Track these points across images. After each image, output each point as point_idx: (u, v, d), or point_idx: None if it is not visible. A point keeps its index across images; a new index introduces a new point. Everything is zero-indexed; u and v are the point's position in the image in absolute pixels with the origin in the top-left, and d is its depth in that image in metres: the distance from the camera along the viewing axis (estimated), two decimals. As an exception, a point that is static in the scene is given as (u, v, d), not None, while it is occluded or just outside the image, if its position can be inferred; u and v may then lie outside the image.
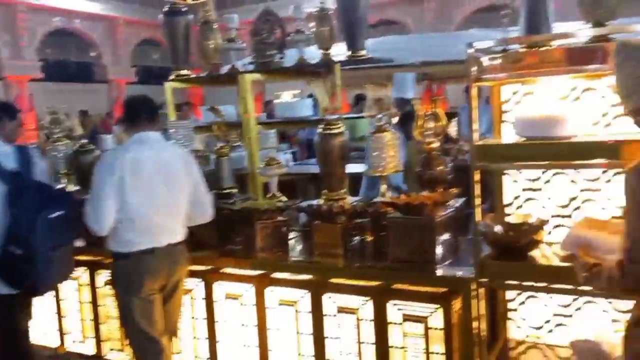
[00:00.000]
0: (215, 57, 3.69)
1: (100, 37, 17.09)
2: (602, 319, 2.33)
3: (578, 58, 1.97)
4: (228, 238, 2.91)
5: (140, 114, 2.61)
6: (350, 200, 2.88)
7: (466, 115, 2.23)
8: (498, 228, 2.20)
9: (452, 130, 5.46)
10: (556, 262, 2.11)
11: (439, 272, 2.29)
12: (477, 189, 2.12)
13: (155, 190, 2.54)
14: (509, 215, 2.38)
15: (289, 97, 4.00)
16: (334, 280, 2.51)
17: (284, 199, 3.08)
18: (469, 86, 2.10)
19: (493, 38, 2.15)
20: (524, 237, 2.14)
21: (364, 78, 4.29)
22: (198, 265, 2.84)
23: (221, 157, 3.22)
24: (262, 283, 2.67)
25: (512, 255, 2.15)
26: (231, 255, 2.81)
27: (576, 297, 2.34)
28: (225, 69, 3.67)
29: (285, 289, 2.61)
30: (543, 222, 2.20)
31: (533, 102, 2.38)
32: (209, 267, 2.83)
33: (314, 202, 2.97)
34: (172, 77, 3.80)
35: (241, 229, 2.85)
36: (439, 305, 2.24)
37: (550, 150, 2.01)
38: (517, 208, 2.47)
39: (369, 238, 2.65)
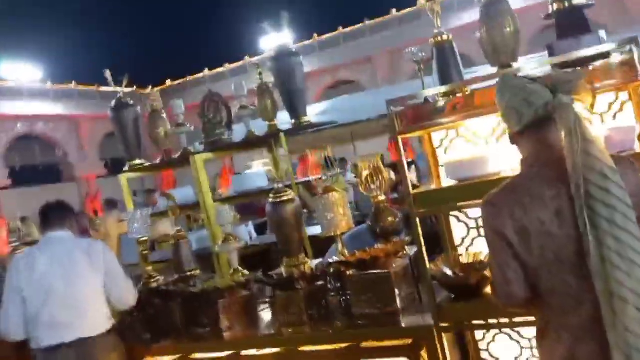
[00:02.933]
0: (166, 143, 3.78)
1: (64, 137, 17.28)
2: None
3: (489, 99, 2.09)
4: (194, 322, 2.88)
5: (49, 216, 2.88)
6: (311, 264, 2.91)
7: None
8: (447, 271, 2.24)
9: (413, 177, 5.64)
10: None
11: (403, 323, 2.30)
12: (420, 236, 2.17)
13: (52, 286, 2.64)
14: (460, 255, 2.43)
15: (260, 167, 4.09)
16: (304, 349, 2.48)
17: (246, 272, 3.08)
18: (395, 139, 2.19)
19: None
20: (474, 275, 2.17)
21: (313, 142, 4.42)
22: (166, 356, 2.79)
23: (179, 241, 3.23)
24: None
25: (468, 295, 2.18)
26: (199, 340, 2.77)
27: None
28: (177, 154, 3.76)
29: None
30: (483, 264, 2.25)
31: (461, 145, 2.49)
32: (177, 356, 2.78)
33: (276, 271, 2.98)
34: (126, 167, 3.87)
35: (206, 311, 2.83)
36: (407, 358, 2.23)
37: (480, 188, 2.07)
38: (468, 248, 2.52)
39: (333, 300, 2.66)
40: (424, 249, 2.16)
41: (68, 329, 2.63)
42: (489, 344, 2.52)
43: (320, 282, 2.66)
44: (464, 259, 2.37)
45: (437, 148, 2.56)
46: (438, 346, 2.14)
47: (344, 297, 2.61)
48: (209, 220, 3.57)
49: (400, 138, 2.19)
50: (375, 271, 2.39)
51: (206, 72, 18.65)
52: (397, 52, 14.47)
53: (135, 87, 14.56)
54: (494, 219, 1.54)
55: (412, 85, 8.63)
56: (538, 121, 1.51)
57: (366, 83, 15.07)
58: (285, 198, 2.92)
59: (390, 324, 2.31)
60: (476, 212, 2.49)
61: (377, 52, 14.58)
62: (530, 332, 2.44)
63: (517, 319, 2.08)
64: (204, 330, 2.80)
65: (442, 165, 2.60)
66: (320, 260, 3.11)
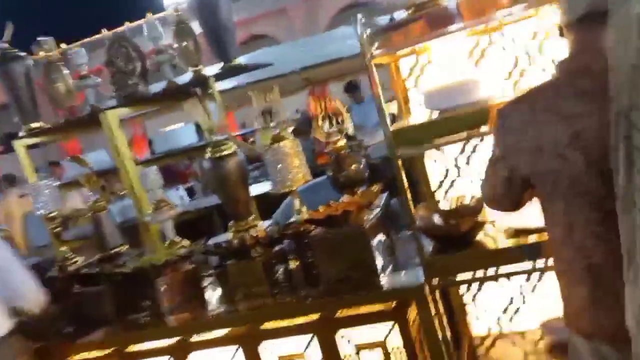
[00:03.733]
0: (68, 100, 3.14)
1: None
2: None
3: (472, 10, 1.75)
4: (128, 307, 2.39)
5: None
6: (262, 226, 2.50)
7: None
8: (437, 219, 1.91)
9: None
10: (504, 242, 1.85)
11: (384, 283, 1.96)
12: (404, 179, 1.82)
13: None
14: (439, 202, 2.11)
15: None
16: (267, 326, 2.10)
17: (186, 243, 2.62)
18: (369, 68, 1.80)
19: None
20: (465, 222, 1.87)
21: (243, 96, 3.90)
22: (96, 351, 2.30)
23: (98, 213, 2.69)
24: (181, 351, 2.19)
25: (456, 245, 1.87)
26: (136, 328, 2.30)
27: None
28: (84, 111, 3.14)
29: (212, 351, 2.16)
30: (480, 201, 1.95)
31: (436, 71, 2.14)
32: (111, 350, 2.30)
33: (223, 238, 2.55)
34: (22, 133, 3.21)
35: (142, 293, 2.36)
36: (393, 322, 1.91)
37: (470, 119, 1.75)
38: (446, 192, 2.21)
39: (295, 265, 2.27)
40: (409, 194, 1.81)
41: None
42: (475, 295, 2.26)
43: (278, 247, 2.26)
44: (444, 205, 2.06)
45: (405, 80, 2.20)
46: (432, 305, 1.83)
47: (309, 261, 2.24)
48: (133, 186, 3.03)
49: (372, 65, 1.80)
50: (346, 228, 2.03)
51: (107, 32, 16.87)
52: (314, 1, 13.91)
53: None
54: (504, 134, 1.33)
55: (333, 35, 8.21)
56: (592, 15, 1.17)
57: (282, 36, 14.41)
58: (226, 152, 2.46)
59: (369, 287, 1.97)
60: (454, 150, 2.17)
61: (292, 2, 13.88)
62: (517, 281, 2.21)
63: (514, 268, 1.81)
64: (141, 316, 2.33)
65: (409, 101, 2.25)
66: (268, 222, 2.70)
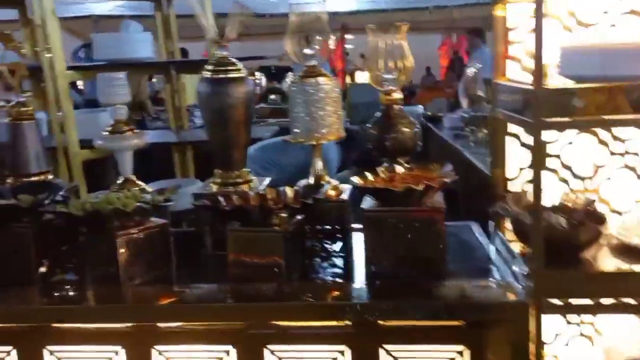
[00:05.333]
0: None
1: None
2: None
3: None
4: (62, 267, 1.64)
5: None
6: (258, 186, 1.87)
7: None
8: (557, 219, 1.46)
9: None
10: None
11: (453, 290, 1.47)
12: (542, 159, 1.33)
13: None
14: (523, 194, 1.66)
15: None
16: (282, 323, 1.49)
17: (145, 186, 1.89)
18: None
19: None
20: (588, 230, 1.43)
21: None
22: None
23: (21, 123, 1.84)
24: (141, 342, 1.50)
25: (564, 257, 1.44)
26: (72, 299, 1.55)
27: None
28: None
29: (191, 349, 1.50)
30: (591, 203, 1.53)
31: (554, 31, 1.66)
32: (27, 325, 1.52)
33: (202, 188, 1.88)
34: None
35: (93, 249, 1.60)
36: (462, 347, 1.42)
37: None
38: (526, 184, 1.76)
39: (323, 249, 1.69)
40: (541, 180, 1.33)
41: None
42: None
43: (297, 217, 1.65)
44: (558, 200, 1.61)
45: (510, 30, 1.69)
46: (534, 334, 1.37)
47: (344, 243, 1.67)
48: (60, 97, 2.20)
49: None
50: (418, 208, 1.49)
51: None
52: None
53: None
54: None
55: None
56: None
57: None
58: (234, 75, 1.80)
59: (432, 293, 1.47)
60: (549, 134, 1.73)
61: None
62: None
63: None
64: (83, 281, 1.59)
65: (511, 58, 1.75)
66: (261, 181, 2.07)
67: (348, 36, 12.57)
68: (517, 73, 1.67)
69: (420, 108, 5.90)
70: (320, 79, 1.75)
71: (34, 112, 1.86)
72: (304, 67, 1.79)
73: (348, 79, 11.37)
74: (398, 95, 1.79)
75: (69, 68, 2.26)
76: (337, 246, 1.76)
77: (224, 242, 1.80)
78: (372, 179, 1.61)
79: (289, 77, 5.15)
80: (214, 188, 1.87)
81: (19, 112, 1.83)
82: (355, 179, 1.58)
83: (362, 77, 9.82)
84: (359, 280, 1.57)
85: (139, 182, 1.88)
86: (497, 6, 1.61)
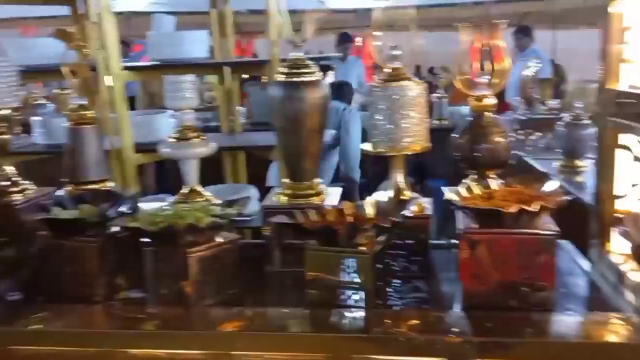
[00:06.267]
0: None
1: None
2: None
3: None
4: (128, 285, 1.52)
5: None
6: (324, 190, 1.73)
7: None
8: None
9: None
10: None
11: (571, 325, 1.30)
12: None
13: None
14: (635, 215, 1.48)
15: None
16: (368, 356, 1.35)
17: (214, 200, 1.76)
18: None
19: None
20: None
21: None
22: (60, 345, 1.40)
23: (82, 127, 1.73)
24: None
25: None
26: (138, 323, 1.43)
27: None
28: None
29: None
30: None
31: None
32: (94, 349, 1.40)
33: (274, 202, 1.74)
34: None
35: (160, 266, 1.48)
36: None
37: None
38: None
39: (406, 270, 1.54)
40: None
41: None
42: None
43: (382, 237, 1.49)
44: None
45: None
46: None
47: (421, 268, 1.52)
48: (115, 99, 2.08)
49: None
50: (526, 233, 1.32)
51: None
52: None
53: None
54: None
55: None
56: None
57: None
58: (309, 78, 1.66)
59: (545, 331, 1.30)
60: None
61: None
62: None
63: None
64: (145, 299, 1.47)
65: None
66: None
67: (377, 33, 12.38)
68: (631, 78, 1.49)
69: (465, 108, 5.68)
70: (406, 83, 1.59)
71: (94, 116, 1.75)
72: (386, 69, 1.63)
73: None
74: (491, 101, 1.62)
75: (125, 68, 2.14)
76: (419, 268, 1.60)
77: (295, 258, 1.68)
78: (468, 195, 1.45)
79: (329, 76, 5.00)
80: (283, 199, 1.74)
81: (80, 116, 1.71)
82: (451, 196, 1.42)
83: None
84: (453, 309, 1.42)
85: (205, 193, 1.75)
86: (613, 2, 1.44)
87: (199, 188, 1.74)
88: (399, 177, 1.67)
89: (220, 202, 1.67)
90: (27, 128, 2.72)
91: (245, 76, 2.62)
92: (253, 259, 1.69)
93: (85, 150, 1.72)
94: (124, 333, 1.40)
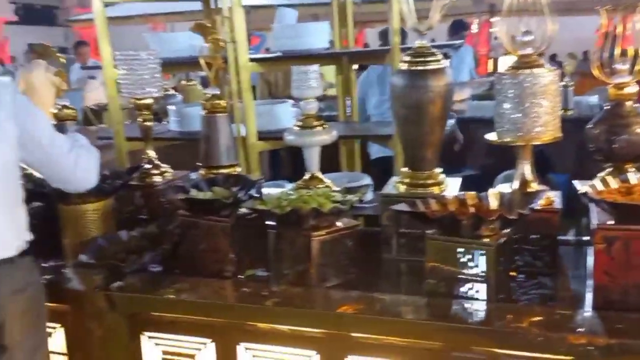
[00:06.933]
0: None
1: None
2: None
3: None
4: (253, 263, 1.62)
5: None
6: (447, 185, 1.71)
7: None
8: None
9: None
10: None
11: None
12: None
13: None
14: None
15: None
16: (487, 349, 1.33)
17: (332, 186, 1.81)
18: None
19: None
20: None
21: None
22: (185, 315, 1.53)
23: (215, 116, 1.86)
24: (336, 350, 1.43)
25: None
26: (261, 298, 1.52)
27: None
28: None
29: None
30: None
31: None
32: (222, 320, 1.52)
33: (392, 190, 1.75)
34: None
35: (284, 247, 1.56)
36: None
37: None
38: None
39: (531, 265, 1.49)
40: None
41: None
42: None
43: (507, 229, 1.45)
44: None
45: None
46: None
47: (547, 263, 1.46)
48: (240, 84, 2.21)
49: None
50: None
51: None
52: None
53: None
54: None
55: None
56: None
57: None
58: (433, 66, 1.64)
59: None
60: None
61: None
62: None
63: None
64: (271, 278, 1.56)
65: None
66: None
67: (494, 18, 11.86)
68: None
69: (593, 98, 5.27)
70: (538, 70, 1.52)
71: (226, 105, 1.87)
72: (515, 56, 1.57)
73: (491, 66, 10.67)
74: (632, 89, 1.51)
75: (251, 60, 2.26)
76: (545, 263, 1.54)
77: (412, 247, 1.69)
78: (604, 189, 1.37)
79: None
80: (401, 188, 1.74)
81: (214, 105, 1.84)
82: (586, 189, 1.35)
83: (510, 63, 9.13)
84: (581, 307, 1.35)
85: (325, 179, 1.81)
86: None
87: (320, 175, 1.80)
88: (526, 169, 1.60)
89: (339, 189, 1.72)
90: (157, 116, 2.97)
91: (354, 66, 2.64)
92: (370, 245, 1.72)
93: (218, 137, 1.85)
94: (250, 307, 1.49)
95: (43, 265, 1.68)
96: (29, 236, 1.47)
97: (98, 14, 2.34)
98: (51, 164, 1.49)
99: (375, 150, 3.49)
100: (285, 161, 4.37)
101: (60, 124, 1.98)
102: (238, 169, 1.91)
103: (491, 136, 1.63)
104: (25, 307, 1.42)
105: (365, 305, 1.44)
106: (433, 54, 1.66)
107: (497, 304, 1.39)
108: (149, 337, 1.58)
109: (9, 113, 1.39)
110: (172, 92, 4.48)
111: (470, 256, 1.39)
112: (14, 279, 1.39)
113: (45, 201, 1.79)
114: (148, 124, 1.96)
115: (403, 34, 3.74)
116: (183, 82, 4.70)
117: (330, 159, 2.81)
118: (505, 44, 1.55)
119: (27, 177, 1.56)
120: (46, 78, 1.77)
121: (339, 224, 1.58)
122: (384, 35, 3.92)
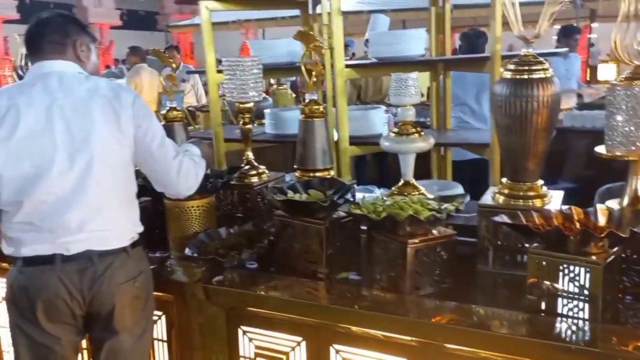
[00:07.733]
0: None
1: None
2: None
3: None
4: (344, 266, 1.65)
5: (44, 34, 1.54)
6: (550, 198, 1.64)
7: None
8: None
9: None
10: None
11: None
12: None
13: (45, 154, 1.42)
14: None
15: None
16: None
17: (426, 194, 1.80)
18: None
19: None
20: None
21: None
22: (291, 313, 1.57)
23: (313, 120, 1.91)
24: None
25: None
26: (351, 302, 1.54)
27: None
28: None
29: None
30: None
31: None
32: (315, 320, 1.55)
33: (491, 201, 1.71)
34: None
35: (382, 253, 1.57)
36: None
37: None
38: None
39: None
40: None
41: (70, 232, 1.44)
42: None
43: (616, 248, 1.38)
44: None
45: None
46: None
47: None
48: (336, 91, 2.24)
49: None
50: None
51: None
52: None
53: None
54: None
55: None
56: None
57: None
58: (539, 75, 1.59)
59: None
60: None
61: None
62: None
63: None
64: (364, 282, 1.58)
65: None
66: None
67: (594, 24, 11.22)
68: None
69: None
70: (651, 82, 1.44)
71: (323, 110, 1.91)
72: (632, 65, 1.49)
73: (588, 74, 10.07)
74: None
75: (346, 66, 2.29)
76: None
77: (510, 260, 1.64)
78: None
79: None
80: (501, 199, 1.70)
81: (312, 110, 1.89)
82: None
83: (609, 71, 8.58)
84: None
85: (420, 186, 1.80)
86: None
87: (414, 181, 1.80)
88: (638, 184, 1.51)
89: (432, 196, 1.70)
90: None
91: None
92: (465, 256, 1.69)
93: (315, 141, 1.89)
94: (342, 309, 1.51)
95: (150, 255, 1.79)
96: (140, 228, 1.58)
97: (205, 21, 2.47)
98: (155, 167, 1.57)
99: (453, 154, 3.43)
100: (371, 165, 4.39)
101: (169, 124, 2.11)
102: (332, 173, 1.95)
103: (600, 149, 1.56)
104: (136, 294, 1.53)
105: (460, 316, 1.42)
106: (540, 62, 1.60)
107: (601, 325, 1.33)
108: (244, 332, 1.65)
109: (129, 115, 1.49)
110: (263, 95, 4.62)
111: (575, 273, 1.34)
112: (127, 268, 1.51)
113: (152, 196, 1.91)
114: (248, 126, 2.04)
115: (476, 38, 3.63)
116: (274, 86, 4.84)
117: (418, 166, 2.79)
118: (619, 52, 1.47)
119: (137, 173, 1.67)
120: (152, 81, 1.90)
121: (434, 232, 1.57)
122: (465, 38, 3.85)
